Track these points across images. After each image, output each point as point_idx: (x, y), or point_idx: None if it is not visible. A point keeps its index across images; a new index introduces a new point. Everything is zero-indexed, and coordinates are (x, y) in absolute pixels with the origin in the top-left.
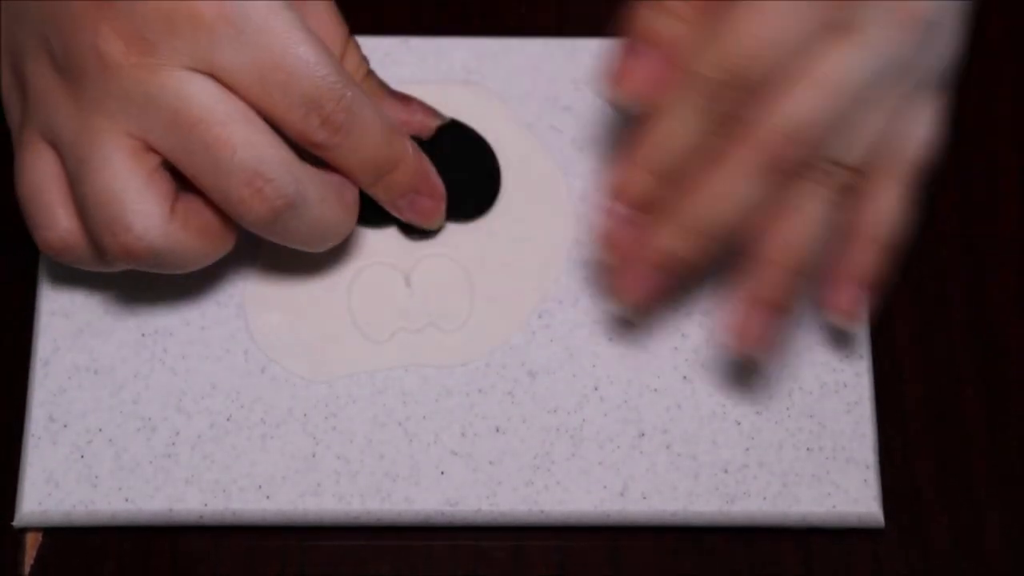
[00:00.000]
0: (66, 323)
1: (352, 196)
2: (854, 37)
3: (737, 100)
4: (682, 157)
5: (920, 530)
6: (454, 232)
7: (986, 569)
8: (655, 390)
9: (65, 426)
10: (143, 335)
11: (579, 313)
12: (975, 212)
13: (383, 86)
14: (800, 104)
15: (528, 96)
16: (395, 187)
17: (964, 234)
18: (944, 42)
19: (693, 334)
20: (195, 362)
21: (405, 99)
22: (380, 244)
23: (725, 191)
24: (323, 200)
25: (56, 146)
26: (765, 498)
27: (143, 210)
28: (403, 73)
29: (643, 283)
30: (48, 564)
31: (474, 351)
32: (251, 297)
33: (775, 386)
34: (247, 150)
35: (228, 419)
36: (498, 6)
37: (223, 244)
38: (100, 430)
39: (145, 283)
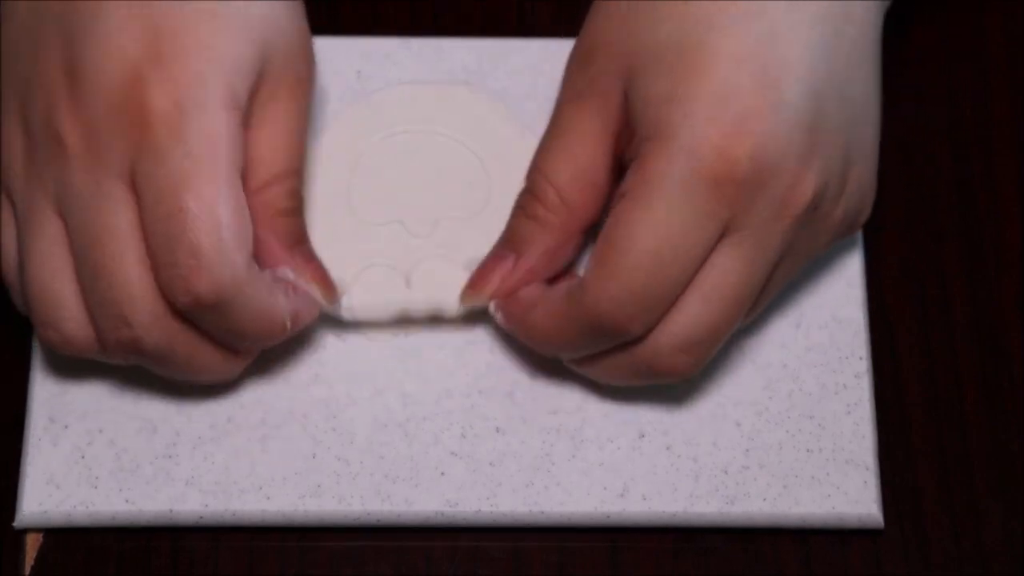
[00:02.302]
0: None
1: (238, 360)
2: (739, 240)
3: (642, 320)
4: (567, 355)
5: (920, 531)
6: (454, 232)
7: (986, 569)
8: (655, 391)
9: (66, 427)
10: None
11: None
12: (976, 212)
13: (297, 232)
14: (695, 319)
15: (528, 96)
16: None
17: (965, 234)
18: (840, 215)
19: None
20: None
21: (306, 260)
22: (380, 244)
23: (603, 373)
24: (191, 358)
25: (15, 214)
26: (765, 499)
27: (69, 312)
28: (403, 73)
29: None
30: (48, 565)
31: (474, 351)
32: None
33: (775, 387)
34: (121, 291)
35: (228, 420)
36: (498, 6)
37: (225, 364)
38: (101, 431)
39: None
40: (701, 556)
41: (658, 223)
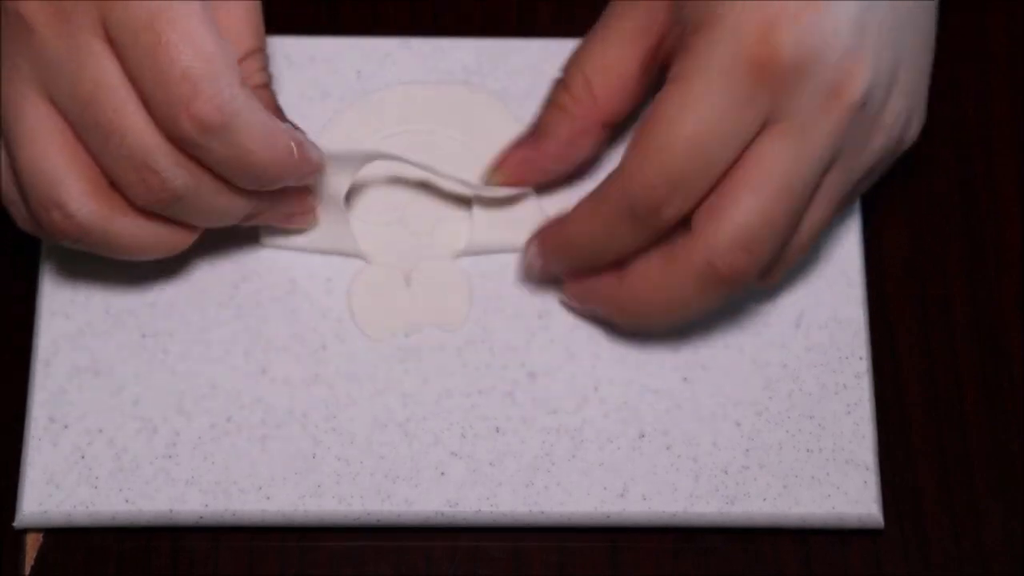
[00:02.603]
0: (66, 323)
1: (252, 200)
2: (785, 130)
3: (675, 204)
4: (604, 259)
5: (920, 531)
6: (454, 232)
7: (986, 569)
8: (655, 391)
9: (65, 427)
10: (143, 336)
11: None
12: (977, 212)
13: (273, 103)
14: (747, 211)
15: (528, 96)
16: (275, 206)
17: (966, 234)
18: (890, 119)
19: (693, 335)
20: (195, 363)
21: (294, 125)
22: (380, 244)
23: (667, 286)
24: (218, 191)
25: None
26: (765, 499)
27: (71, 185)
28: (403, 73)
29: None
30: (48, 565)
31: (474, 351)
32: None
33: (775, 387)
34: (135, 138)
35: (228, 420)
36: (498, 6)
37: (175, 236)
38: (100, 431)
39: (146, 284)
40: (701, 556)
41: (696, 105)
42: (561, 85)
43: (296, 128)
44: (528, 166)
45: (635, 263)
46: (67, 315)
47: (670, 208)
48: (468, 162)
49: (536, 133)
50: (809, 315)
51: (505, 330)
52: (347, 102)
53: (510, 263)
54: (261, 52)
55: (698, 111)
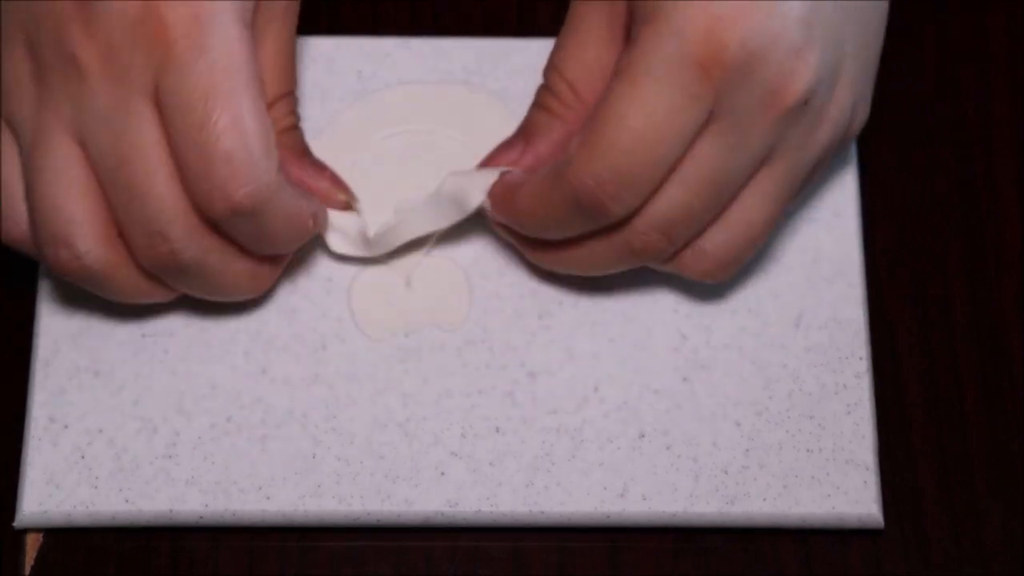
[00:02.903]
0: (66, 323)
1: (265, 273)
2: (721, 128)
3: (623, 201)
4: (549, 238)
5: (920, 531)
6: (454, 232)
7: (986, 569)
8: (655, 391)
9: (65, 427)
10: (143, 336)
11: (579, 313)
12: (977, 212)
13: (301, 146)
14: (672, 201)
15: (528, 96)
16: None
17: (966, 234)
18: (831, 120)
19: (693, 335)
20: (195, 363)
21: (319, 168)
22: (380, 245)
23: (583, 259)
24: (224, 269)
25: (17, 141)
26: (765, 499)
27: (84, 228)
28: (403, 73)
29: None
30: (48, 565)
31: (474, 351)
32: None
33: (775, 387)
34: (156, 206)
35: (228, 420)
36: (498, 6)
37: (256, 275)
38: (100, 431)
39: None
40: (701, 556)
41: (644, 102)
42: (544, 89)
43: (323, 168)
44: (506, 201)
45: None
46: (67, 315)
47: (617, 205)
48: (468, 162)
49: (525, 136)
50: (809, 315)
51: (505, 330)
52: (347, 102)
53: (510, 263)
54: (292, 95)
55: (645, 108)
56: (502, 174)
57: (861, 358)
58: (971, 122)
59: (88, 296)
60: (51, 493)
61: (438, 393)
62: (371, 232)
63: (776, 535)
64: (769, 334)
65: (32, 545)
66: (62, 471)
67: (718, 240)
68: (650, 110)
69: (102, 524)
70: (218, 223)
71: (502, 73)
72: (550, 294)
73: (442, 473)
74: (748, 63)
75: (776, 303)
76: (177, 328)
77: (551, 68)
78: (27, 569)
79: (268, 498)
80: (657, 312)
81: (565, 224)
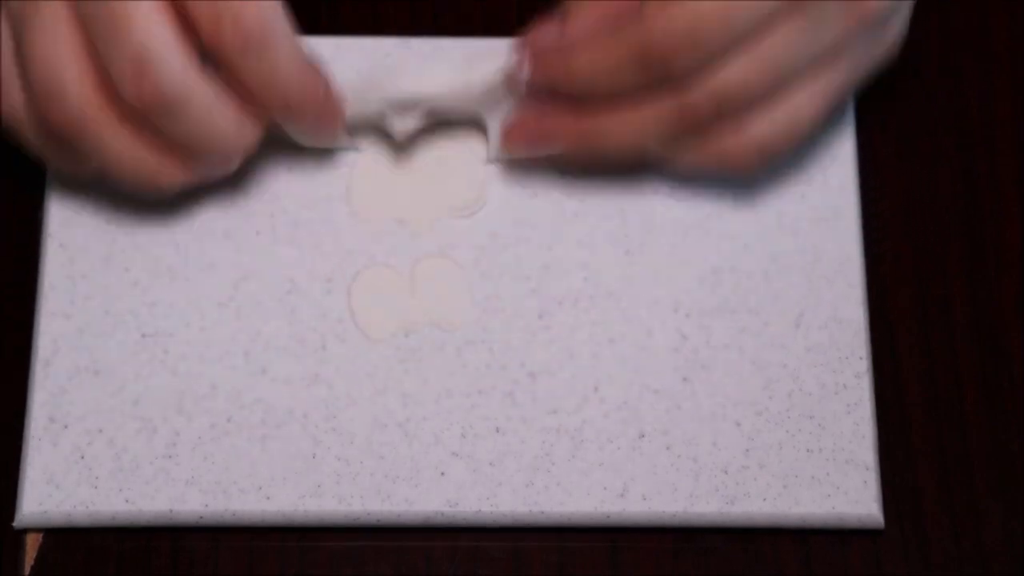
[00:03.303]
0: (66, 324)
1: (249, 127)
2: (801, 20)
3: (691, 60)
4: (596, 94)
5: (920, 531)
6: (454, 232)
7: (986, 569)
8: (655, 391)
9: (65, 427)
10: (143, 336)
11: (579, 313)
12: (977, 212)
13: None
14: (732, 74)
15: None
16: (301, 125)
17: (966, 234)
18: (885, 41)
19: (693, 335)
20: (195, 363)
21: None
22: (380, 244)
23: (625, 126)
24: (210, 111)
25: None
26: (765, 499)
27: (73, 74)
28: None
29: (527, 140)
30: (48, 565)
31: (474, 351)
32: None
33: (775, 387)
34: (142, 33)
35: (228, 420)
36: (498, 6)
37: (164, 166)
38: (100, 431)
39: (146, 284)
40: (701, 556)
41: None
42: None
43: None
44: (554, 58)
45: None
46: (67, 315)
47: (683, 62)
48: (468, 162)
49: (561, 17)
50: (809, 315)
51: (505, 330)
52: (347, 102)
53: (510, 262)
54: None
55: None
56: (532, 35)
57: (861, 358)
58: (973, 122)
59: (88, 296)
60: (51, 493)
61: (438, 393)
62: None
63: (776, 535)
64: (769, 334)
65: (32, 545)
66: (62, 471)
67: (763, 126)
68: None
69: (102, 524)
70: (220, 58)
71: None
72: (550, 294)
73: (442, 473)
74: None
75: (776, 303)
76: (177, 328)
77: None
78: (27, 569)
79: (268, 498)
80: (657, 312)
81: (621, 78)
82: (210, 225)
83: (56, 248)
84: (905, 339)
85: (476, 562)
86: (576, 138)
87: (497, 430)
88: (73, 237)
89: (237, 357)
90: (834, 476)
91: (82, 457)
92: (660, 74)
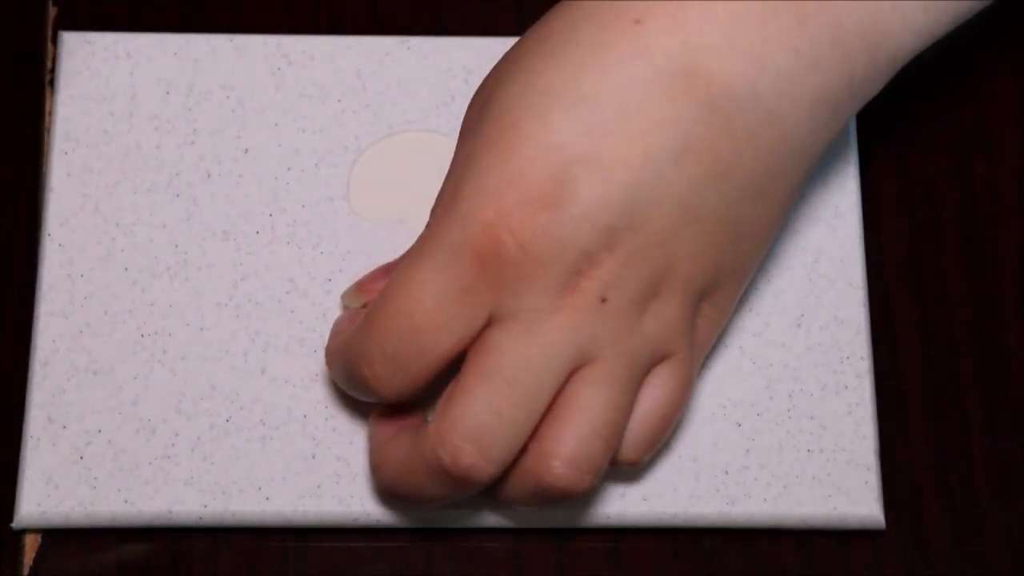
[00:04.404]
0: (66, 324)
1: None
2: (512, 326)
3: (384, 377)
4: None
5: (920, 531)
6: None
7: (986, 569)
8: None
9: (64, 427)
10: (142, 336)
11: None
12: (977, 213)
13: None
14: (469, 398)
15: None
16: None
17: (966, 235)
18: (660, 313)
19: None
20: (194, 363)
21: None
22: (380, 244)
23: (403, 474)
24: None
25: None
26: (766, 500)
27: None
28: (403, 73)
29: None
30: (47, 565)
31: None
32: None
33: (775, 387)
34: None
35: (227, 420)
36: (498, 6)
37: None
38: (99, 431)
39: (146, 284)
40: (701, 557)
41: (412, 285)
42: None
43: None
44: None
45: (391, 435)
46: (66, 315)
47: (384, 387)
48: None
49: (387, 270)
50: (809, 315)
51: None
52: (347, 102)
53: None
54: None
55: (418, 292)
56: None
57: (862, 358)
58: (971, 121)
59: (88, 296)
60: (50, 493)
61: (438, 392)
62: None
63: (776, 535)
64: (770, 334)
65: (31, 546)
66: (61, 471)
67: (560, 437)
68: (418, 297)
69: (101, 525)
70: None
71: None
72: None
73: None
74: (530, 264)
75: (777, 303)
76: (177, 328)
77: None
78: (26, 570)
79: (268, 498)
80: None
81: (351, 390)
82: (210, 225)
83: (56, 248)
84: (905, 339)
85: (476, 562)
86: (373, 458)
87: None
88: (73, 237)
89: (237, 357)
90: (835, 476)
91: (81, 457)
92: (360, 382)
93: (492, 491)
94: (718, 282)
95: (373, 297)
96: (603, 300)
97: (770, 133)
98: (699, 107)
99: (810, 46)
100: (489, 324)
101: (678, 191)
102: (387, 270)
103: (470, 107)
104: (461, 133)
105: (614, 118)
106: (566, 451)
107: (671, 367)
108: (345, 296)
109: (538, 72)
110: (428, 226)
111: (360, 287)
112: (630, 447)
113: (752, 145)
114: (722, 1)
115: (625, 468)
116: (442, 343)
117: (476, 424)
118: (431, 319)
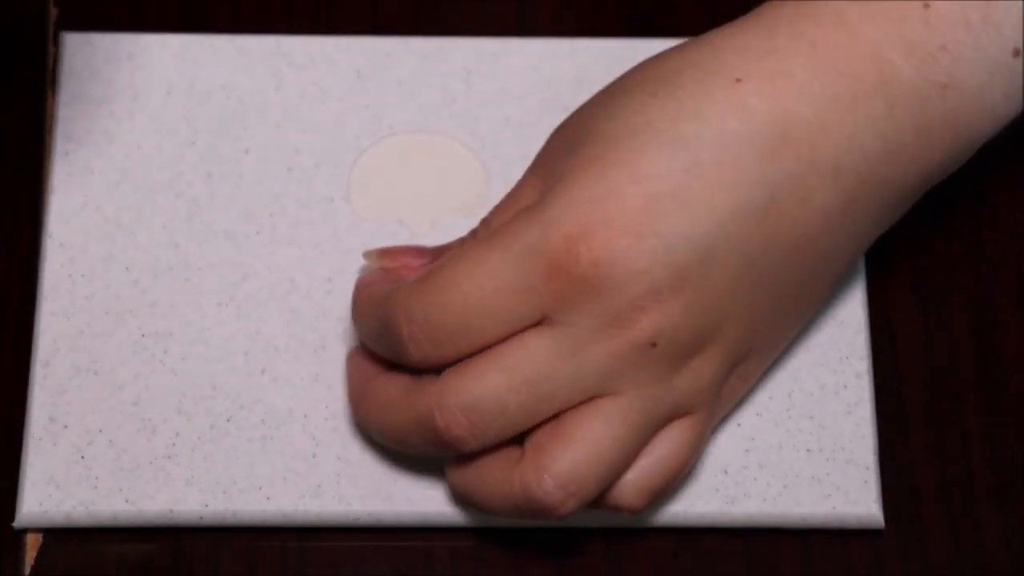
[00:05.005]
0: (66, 324)
1: None
2: (555, 332)
3: (421, 347)
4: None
5: (920, 531)
6: (454, 232)
7: (986, 569)
8: None
9: (65, 427)
10: (143, 336)
11: None
12: (978, 212)
13: None
14: (481, 381)
15: (528, 96)
16: None
17: (966, 236)
18: (696, 372)
19: None
20: (195, 363)
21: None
22: (380, 244)
23: (388, 420)
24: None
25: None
26: (765, 499)
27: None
28: (403, 73)
29: None
30: (48, 565)
31: None
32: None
33: (775, 387)
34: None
35: (228, 420)
36: (498, 6)
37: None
38: (100, 431)
39: (146, 284)
40: (701, 556)
41: (481, 267)
42: (471, 231)
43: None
44: (409, 270)
45: (375, 373)
46: (67, 315)
47: (414, 347)
48: (468, 162)
49: (435, 253)
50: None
51: None
52: (347, 102)
53: None
54: None
55: (478, 273)
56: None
57: (861, 358)
58: None
59: (88, 296)
60: (51, 493)
61: None
62: None
63: (776, 535)
64: None
65: (32, 545)
66: (62, 471)
67: (558, 456)
68: (480, 279)
69: (102, 524)
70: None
71: (502, 73)
72: None
73: (443, 473)
74: (596, 284)
75: None
76: (177, 328)
77: (484, 218)
78: (27, 569)
79: (268, 498)
80: None
81: (374, 339)
82: (210, 225)
83: (56, 248)
84: (905, 339)
85: (476, 562)
86: (357, 406)
87: None
88: (73, 237)
89: (237, 357)
90: (834, 476)
91: (82, 457)
92: (395, 352)
93: (477, 501)
94: (754, 351)
95: (395, 265)
96: (653, 344)
97: (842, 211)
98: (787, 174)
99: (896, 132)
100: (534, 324)
101: (751, 250)
102: (419, 250)
103: (555, 136)
104: (540, 157)
105: (709, 163)
106: (560, 470)
107: (687, 425)
108: (368, 255)
109: (637, 111)
110: (509, 220)
111: (386, 251)
112: (633, 494)
113: (824, 219)
114: (818, 79)
115: (625, 515)
116: (487, 330)
117: (478, 404)
118: (485, 304)
